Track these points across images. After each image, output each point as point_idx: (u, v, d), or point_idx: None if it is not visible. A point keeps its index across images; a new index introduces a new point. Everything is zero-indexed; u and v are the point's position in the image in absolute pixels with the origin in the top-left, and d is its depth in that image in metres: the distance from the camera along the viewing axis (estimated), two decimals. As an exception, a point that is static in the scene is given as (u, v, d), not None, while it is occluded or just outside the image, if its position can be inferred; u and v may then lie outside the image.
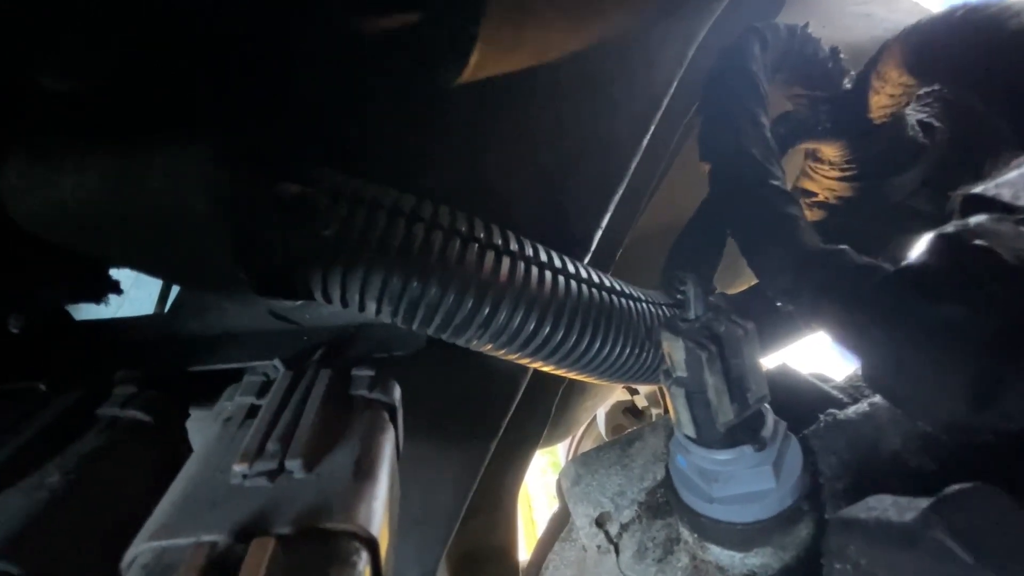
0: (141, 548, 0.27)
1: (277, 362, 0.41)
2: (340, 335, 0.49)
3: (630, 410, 1.89)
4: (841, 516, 0.35)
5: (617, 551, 0.63)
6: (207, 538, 0.26)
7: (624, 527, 0.64)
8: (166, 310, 0.49)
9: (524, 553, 1.06)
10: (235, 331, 0.48)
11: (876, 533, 0.30)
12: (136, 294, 0.62)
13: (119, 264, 0.38)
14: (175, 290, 0.66)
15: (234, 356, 0.44)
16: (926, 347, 0.29)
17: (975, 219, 0.31)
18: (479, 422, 0.59)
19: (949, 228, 0.31)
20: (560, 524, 0.78)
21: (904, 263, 0.32)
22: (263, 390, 0.39)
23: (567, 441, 2.06)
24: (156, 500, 0.32)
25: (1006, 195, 0.32)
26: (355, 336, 0.49)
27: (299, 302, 0.44)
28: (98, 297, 0.40)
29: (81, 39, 0.28)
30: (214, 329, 0.47)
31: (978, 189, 0.33)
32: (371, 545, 0.29)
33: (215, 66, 0.28)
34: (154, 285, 0.79)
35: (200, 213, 0.29)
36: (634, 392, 1.89)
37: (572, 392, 1.00)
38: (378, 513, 0.30)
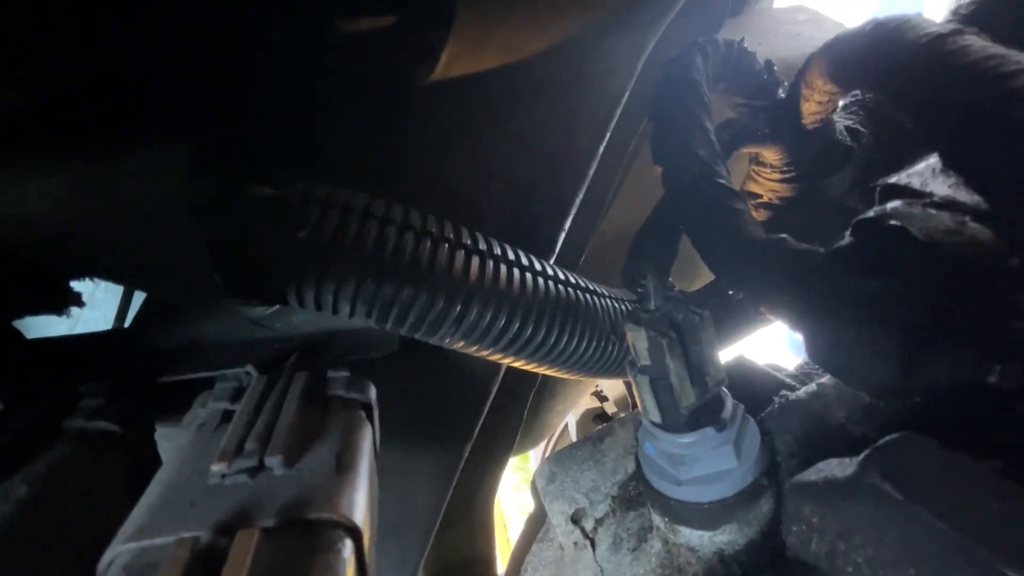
0: (119, 550, 0.27)
1: (250, 368, 0.41)
2: (312, 341, 0.49)
3: (600, 416, 1.92)
4: (794, 481, 0.38)
5: (593, 545, 0.65)
6: (189, 534, 0.26)
7: (599, 521, 0.66)
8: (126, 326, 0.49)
9: (500, 567, 1.05)
10: (204, 341, 0.47)
11: (824, 491, 0.33)
12: (90, 315, 0.60)
13: (87, 274, 0.38)
14: (133, 309, 0.64)
15: (204, 365, 0.43)
16: (856, 320, 0.33)
17: (891, 204, 0.35)
18: (453, 426, 0.60)
19: (870, 213, 0.35)
20: (536, 525, 0.78)
21: (833, 246, 0.36)
22: (236, 395, 0.39)
23: (540, 454, 2.08)
24: (127, 510, 0.31)
25: (916, 183, 0.36)
26: (327, 342, 0.50)
27: (272, 308, 0.45)
28: (60, 309, 0.39)
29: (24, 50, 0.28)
30: (182, 340, 0.47)
31: (892, 179, 0.38)
32: (355, 534, 0.29)
33: (185, 69, 0.29)
34: (109, 306, 0.76)
35: (174, 217, 0.29)
36: (603, 399, 1.92)
37: (543, 397, 1.02)
38: (360, 503, 0.31)
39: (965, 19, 0.53)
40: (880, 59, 0.37)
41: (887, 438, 0.28)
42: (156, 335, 0.47)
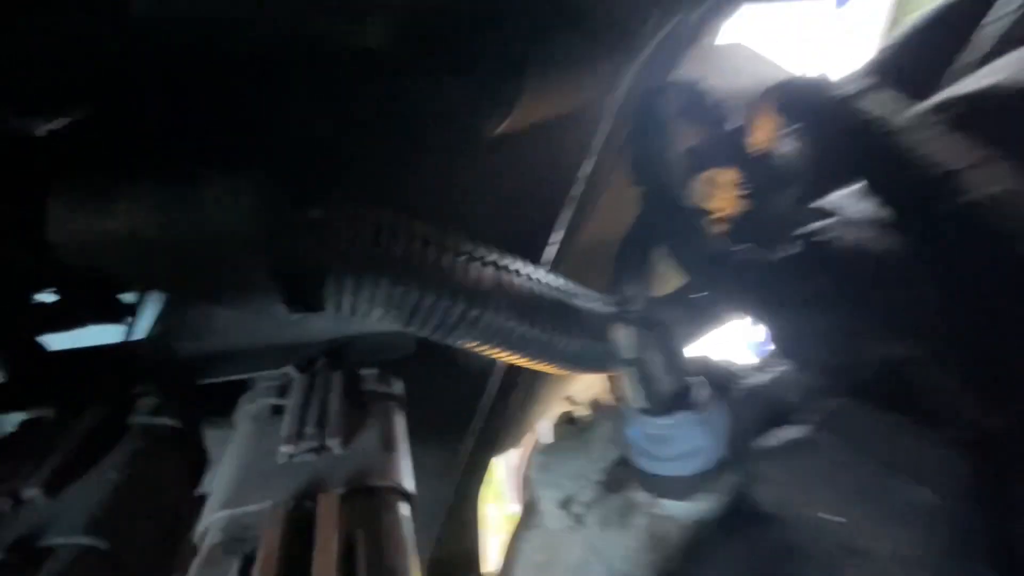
0: (213, 518, 0.32)
1: (290, 369, 0.46)
2: (333, 345, 0.55)
3: (571, 421, 2.00)
4: (757, 447, 0.46)
5: (584, 526, 0.71)
6: (280, 501, 0.31)
7: (587, 505, 0.73)
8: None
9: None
10: (235, 348, 0.52)
11: (783, 451, 0.41)
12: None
13: (156, 288, 0.42)
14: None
15: (243, 368, 0.48)
16: (801, 316, 0.41)
17: (827, 221, 0.44)
18: (454, 421, 0.65)
19: (811, 227, 0.44)
20: (528, 513, 0.84)
21: (784, 254, 0.45)
22: (281, 392, 0.44)
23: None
24: (191, 493, 0.36)
25: (845, 204, 0.46)
26: (347, 345, 0.55)
27: (297, 317, 0.50)
28: (119, 319, 0.43)
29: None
30: (215, 347, 0.51)
31: (820, 203, 0.47)
32: (409, 497, 0.35)
33: (261, 111, 0.34)
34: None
35: (249, 236, 0.34)
36: (575, 404, 2.01)
37: (524, 399, 1.08)
38: (408, 474, 0.37)
39: (879, 64, 0.65)
40: (814, 108, 0.46)
41: (831, 404, 0.36)
42: (189, 343, 0.51)
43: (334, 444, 0.36)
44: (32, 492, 0.31)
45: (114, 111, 0.35)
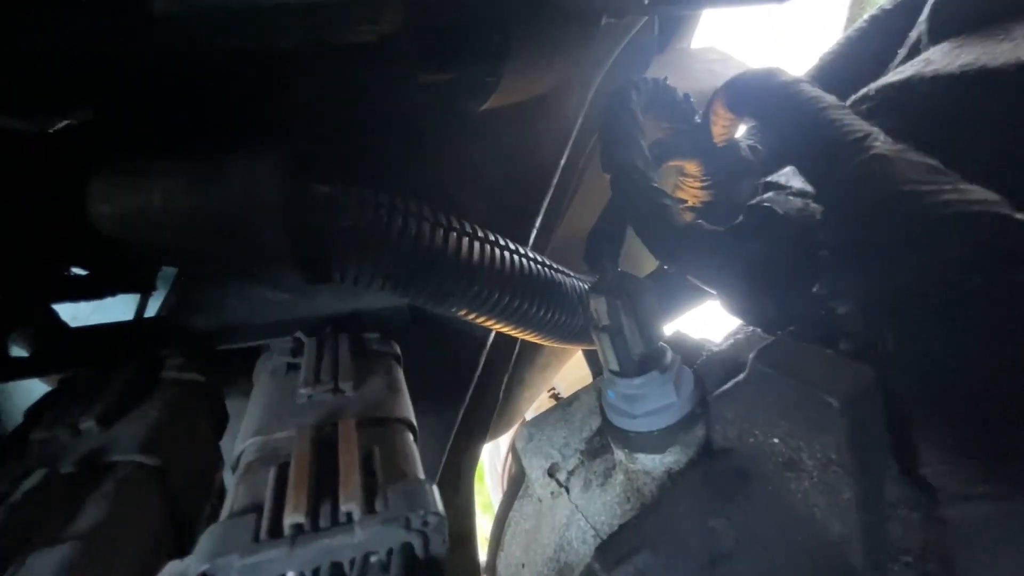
0: (247, 443, 0.37)
1: (300, 334, 0.52)
2: (336, 319, 0.60)
3: (556, 399, 2.09)
4: (714, 394, 0.52)
5: (568, 491, 0.78)
6: (302, 426, 0.37)
7: (571, 472, 0.79)
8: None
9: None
10: (247, 321, 0.57)
11: (732, 392, 0.48)
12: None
13: (185, 259, 0.47)
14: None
15: (258, 336, 0.53)
16: (743, 275, 0.48)
17: (767, 194, 0.52)
18: (449, 390, 0.71)
19: (753, 200, 0.52)
20: (516, 486, 0.90)
21: (730, 224, 0.52)
22: (295, 352, 0.49)
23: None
24: (217, 439, 0.41)
25: (783, 180, 0.53)
26: (349, 319, 0.61)
27: (303, 292, 0.55)
28: (147, 290, 0.48)
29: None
30: (229, 320, 0.56)
31: (770, 178, 0.54)
32: (412, 428, 0.41)
33: (282, 98, 0.40)
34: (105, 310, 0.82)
35: (272, 208, 0.40)
36: (558, 398, 2.09)
37: (513, 384, 1.14)
38: (411, 411, 0.43)
39: (818, 68, 0.73)
40: (755, 96, 0.54)
41: (765, 343, 0.43)
42: (203, 319, 0.56)
43: (346, 386, 0.42)
44: (88, 423, 0.36)
45: (145, 99, 0.40)
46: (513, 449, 0.84)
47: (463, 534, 1.06)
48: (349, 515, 0.29)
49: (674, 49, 1.50)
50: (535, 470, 0.82)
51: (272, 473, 0.32)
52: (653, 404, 0.63)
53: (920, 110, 0.46)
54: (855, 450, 0.36)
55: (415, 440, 0.41)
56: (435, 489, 0.32)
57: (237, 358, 0.53)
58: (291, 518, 0.28)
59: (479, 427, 1.01)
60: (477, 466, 1.08)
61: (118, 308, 0.65)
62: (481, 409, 1.00)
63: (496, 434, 1.29)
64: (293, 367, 0.47)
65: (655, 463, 0.66)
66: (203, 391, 0.46)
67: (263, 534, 0.27)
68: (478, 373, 0.75)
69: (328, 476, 0.32)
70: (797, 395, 0.38)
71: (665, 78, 0.80)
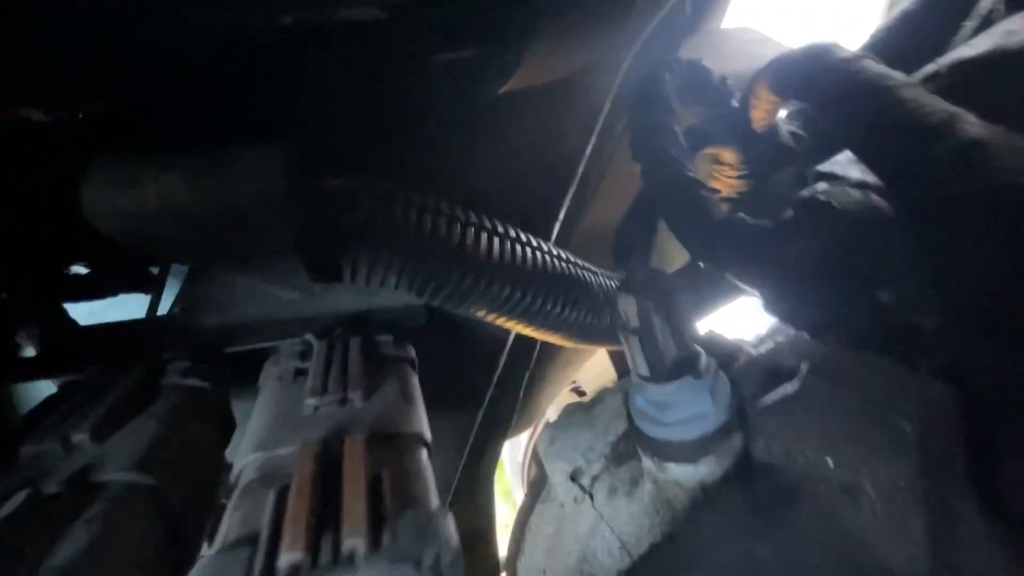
0: (248, 459, 0.34)
1: (310, 336, 0.49)
2: (349, 319, 0.57)
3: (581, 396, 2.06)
4: (758, 405, 0.48)
5: (592, 497, 0.74)
6: (306, 442, 0.34)
7: (595, 477, 0.75)
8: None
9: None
10: (256, 320, 0.54)
11: (780, 406, 0.44)
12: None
13: (187, 258, 0.44)
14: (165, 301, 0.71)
15: (264, 337, 0.51)
16: (791, 275, 0.43)
17: (820, 185, 0.46)
18: (467, 391, 0.68)
19: (805, 192, 0.46)
20: (538, 490, 0.87)
21: (777, 220, 0.47)
22: (303, 356, 0.47)
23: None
24: (221, 448, 0.39)
25: (838, 170, 0.47)
26: (362, 318, 0.58)
27: (316, 290, 0.52)
28: (146, 289, 0.46)
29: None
30: (238, 319, 0.54)
31: (822, 167, 0.49)
32: (426, 444, 0.37)
33: (288, 85, 0.36)
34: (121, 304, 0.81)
35: (275, 206, 0.37)
36: (582, 394, 2.04)
37: (534, 381, 1.10)
38: (425, 423, 0.39)
39: (872, 45, 0.67)
40: (806, 76, 0.48)
41: (818, 351, 0.39)
42: (212, 317, 0.53)
43: (355, 397, 0.39)
44: (80, 436, 0.34)
45: (144, 93, 0.37)
46: (535, 452, 0.81)
47: (482, 532, 1.03)
48: (352, 553, 0.26)
49: (706, 29, 1.42)
50: (557, 474, 0.78)
51: (271, 498, 0.29)
52: (686, 412, 0.59)
53: (1005, 88, 0.40)
54: (929, 480, 0.31)
55: (429, 456, 0.38)
56: (450, 519, 0.29)
57: (247, 360, 0.50)
58: (288, 555, 0.25)
59: (499, 426, 0.98)
60: (496, 465, 1.05)
61: (133, 305, 0.64)
62: (501, 407, 0.97)
63: (517, 431, 1.26)
64: (301, 372, 0.44)
65: (687, 474, 0.61)
66: (208, 398, 0.43)
67: (256, 574, 0.24)
68: (498, 373, 0.72)
69: (333, 501, 0.29)
70: (861, 414, 0.34)
71: (700, 59, 0.74)
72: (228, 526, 0.28)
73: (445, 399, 0.69)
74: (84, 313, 0.56)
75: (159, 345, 0.49)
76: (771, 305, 0.49)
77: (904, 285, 0.34)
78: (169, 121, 0.38)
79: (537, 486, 0.90)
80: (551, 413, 2.03)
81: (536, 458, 0.82)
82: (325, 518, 0.28)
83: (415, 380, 0.45)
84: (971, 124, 0.30)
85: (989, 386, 0.30)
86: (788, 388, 0.43)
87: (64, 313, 0.51)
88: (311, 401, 0.38)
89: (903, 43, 0.71)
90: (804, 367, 0.38)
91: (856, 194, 0.43)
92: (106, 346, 0.50)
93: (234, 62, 0.35)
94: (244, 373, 0.50)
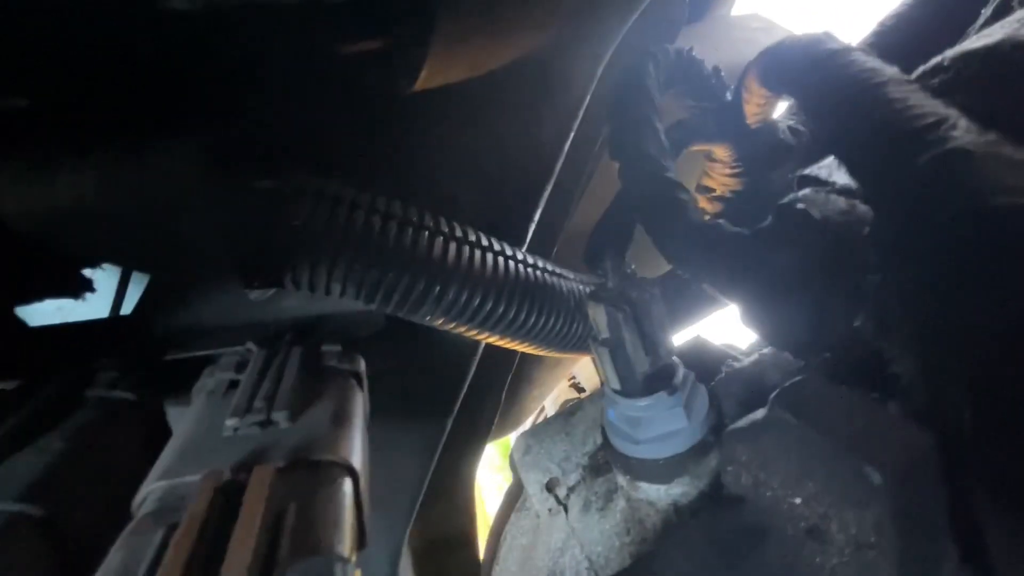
0: (152, 487, 0.31)
1: (251, 345, 0.46)
2: (303, 323, 0.54)
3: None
4: (729, 429, 0.44)
5: (566, 510, 0.71)
6: (214, 471, 0.31)
7: (571, 488, 0.72)
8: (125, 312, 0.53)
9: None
10: (205, 324, 0.51)
11: (749, 432, 0.40)
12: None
13: (106, 260, 0.42)
14: (128, 299, 0.68)
15: (208, 344, 0.48)
16: (771, 290, 0.39)
17: (802, 191, 0.42)
18: (434, 401, 0.65)
19: (785, 199, 0.42)
20: (513, 498, 0.84)
21: (756, 227, 0.43)
22: (240, 367, 0.44)
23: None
24: (144, 467, 0.36)
25: (823, 174, 0.43)
26: (317, 324, 0.55)
27: (269, 293, 0.49)
28: (76, 294, 0.43)
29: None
30: (184, 323, 0.51)
31: (807, 171, 0.45)
32: (352, 473, 0.34)
33: (201, 75, 0.33)
34: (106, 291, 0.79)
35: (192, 206, 0.34)
36: (581, 390, 2.00)
37: (520, 383, 1.08)
38: (356, 449, 0.36)
39: (877, 34, 0.61)
40: (793, 68, 0.44)
41: (789, 381, 0.35)
42: (161, 318, 0.51)
43: (280, 418, 0.36)
44: (-28, 460, 0.32)
45: (55, 89, 0.34)
46: (511, 459, 0.78)
47: (462, 534, 1.01)
48: (226, 613, 0.23)
49: (712, 17, 1.35)
50: (532, 484, 0.75)
51: (157, 539, 0.26)
52: (659, 429, 0.55)
53: (1014, 85, 0.35)
54: (901, 533, 0.28)
55: (357, 486, 0.34)
56: (354, 570, 0.26)
57: (189, 368, 0.48)
58: (153, 614, 0.22)
59: (479, 429, 0.95)
60: (478, 466, 1.02)
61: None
62: (482, 411, 0.94)
63: (501, 433, 1.24)
64: (235, 384, 0.41)
65: (660, 494, 0.58)
66: (132, 412, 0.41)
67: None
68: (470, 377, 0.68)
69: (223, 542, 0.26)
70: (828, 456, 0.30)
71: (690, 48, 0.69)
72: (104, 571, 0.26)
73: (412, 404, 0.66)
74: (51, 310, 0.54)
75: (98, 349, 0.46)
76: (749, 320, 0.45)
77: (879, 312, 0.30)
78: (86, 116, 0.35)
79: (513, 493, 0.88)
80: (549, 407, 2.00)
81: (512, 466, 0.79)
82: (212, 563, 0.25)
83: (357, 397, 0.42)
84: (959, 130, 0.25)
85: (970, 436, 0.26)
86: (758, 414, 0.39)
87: (10, 315, 0.49)
88: (231, 422, 0.35)
89: (912, 33, 0.65)
90: (772, 400, 0.34)
91: (840, 202, 0.39)
92: (49, 348, 0.48)
93: (144, 51, 0.32)
94: (189, 377, 0.48)
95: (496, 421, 0.99)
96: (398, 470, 0.66)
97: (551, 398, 1.96)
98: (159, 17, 0.29)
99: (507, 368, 0.93)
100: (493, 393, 0.92)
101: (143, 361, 0.46)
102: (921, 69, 0.44)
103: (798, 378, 0.35)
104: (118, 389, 0.41)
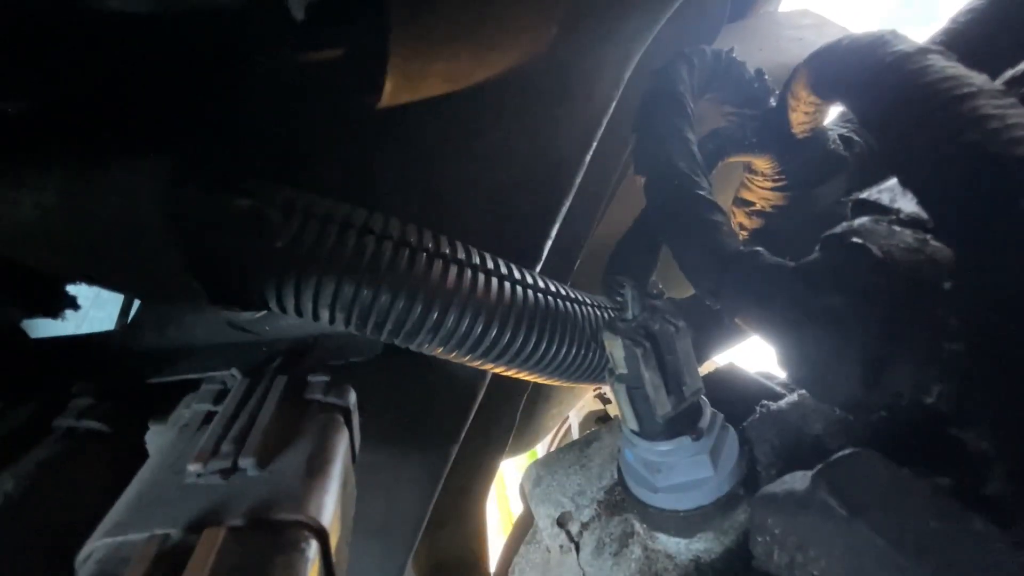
0: (96, 545, 0.28)
1: (235, 371, 0.43)
2: (298, 345, 0.51)
3: (603, 419, 1.92)
4: (761, 493, 0.38)
5: (577, 549, 0.66)
6: (159, 532, 0.28)
7: (584, 525, 0.67)
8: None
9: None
10: (194, 344, 0.49)
11: (784, 503, 0.34)
12: (96, 314, 0.62)
13: (77, 279, 0.39)
14: (136, 308, 0.66)
15: (192, 367, 0.45)
16: (818, 336, 0.33)
17: (858, 220, 0.36)
18: (439, 427, 0.61)
19: (837, 229, 0.36)
20: (524, 527, 0.79)
21: (801, 261, 0.36)
22: (219, 397, 0.40)
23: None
24: (105, 512, 0.33)
25: (885, 199, 0.36)
26: (312, 346, 0.51)
27: (259, 314, 0.46)
28: (55, 313, 0.41)
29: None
30: (173, 342, 0.48)
31: (864, 195, 0.38)
32: (320, 535, 0.30)
33: (167, 88, 0.30)
34: (114, 304, 0.78)
35: (154, 227, 0.31)
36: (607, 402, 1.92)
37: (537, 400, 1.02)
38: (328, 506, 0.32)
39: (948, 32, 0.53)
40: (851, 74, 0.37)
41: (838, 454, 0.29)
42: (148, 337, 0.48)
43: (248, 464, 0.32)
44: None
45: (9, 100, 0.31)
46: (521, 489, 0.74)
47: (472, 557, 0.97)
48: None
49: (757, 14, 1.26)
50: (543, 518, 0.70)
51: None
52: (681, 477, 0.49)
53: None
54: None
55: (327, 547, 0.30)
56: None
57: (174, 392, 0.45)
58: None
59: (492, 450, 0.91)
60: (490, 487, 0.98)
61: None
62: (495, 430, 0.90)
63: (518, 451, 1.19)
64: (211, 417, 0.38)
65: (680, 548, 0.52)
66: (103, 444, 0.38)
67: None
68: (477, 402, 0.64)
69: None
70: (883, 561, 0.24)
71: (731, 49, 0.62)
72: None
73: (415, 430, 0.62)
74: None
75: (80, 369, 0.44)
76: (787, 366, 0.39)
77: (961, 386, 0.24)
78: (47, 129, 0.33)
79: (524, 523, 0.83)
80: (573, 420, 1.94)
81: (523, 495, 0.75)
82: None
83: (339, 438, 0.38)
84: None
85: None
86: (796, 484, 0.33)
87: (14, 329, 0.47)
88: (193, 467, 0.32)
89: (992, 33, 0.57)
90: (810, 476, 0.28)
91: (907, 236, 0.32)
92: (56, 363, 0.46)
93: (106, 61, 0.29)
94: (172, 402, 0.45)
95: (511, 440, 0.95)
96: (399, 498, 0.62)
97: (575, 409, 1.89)
98: (99, 19, 0.25)
99: (523, 386, 0.88)
100: (507, 413, 0.88)
101: (124, 383, 0.43)
102: (1009, 74, 0.36)
103: (847, 452, 0.29)
104: (89, 418, 0.38)
